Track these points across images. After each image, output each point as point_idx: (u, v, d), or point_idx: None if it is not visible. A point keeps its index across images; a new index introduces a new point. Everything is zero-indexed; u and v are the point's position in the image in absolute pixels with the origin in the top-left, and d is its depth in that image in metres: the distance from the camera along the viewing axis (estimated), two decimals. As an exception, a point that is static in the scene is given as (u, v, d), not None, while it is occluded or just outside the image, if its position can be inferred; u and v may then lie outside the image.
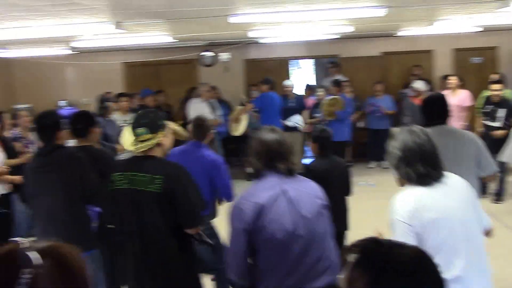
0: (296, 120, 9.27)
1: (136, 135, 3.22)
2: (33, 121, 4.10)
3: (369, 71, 11.03)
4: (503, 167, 7.00)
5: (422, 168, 2.54)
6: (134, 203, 3.17)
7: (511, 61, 10.93)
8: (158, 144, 3.24)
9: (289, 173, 2.72)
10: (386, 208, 2.58)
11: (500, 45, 11.05)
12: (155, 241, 3.19)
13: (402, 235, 2.41)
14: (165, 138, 3.28)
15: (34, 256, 1.18)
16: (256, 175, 2.76)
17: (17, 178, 5.93)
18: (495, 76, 8.53)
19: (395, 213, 2.49)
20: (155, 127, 3.22)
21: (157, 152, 3.26)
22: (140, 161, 3.23)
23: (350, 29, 7.69)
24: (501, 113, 7.31)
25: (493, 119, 7.37)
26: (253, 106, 8.96)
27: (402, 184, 2.62)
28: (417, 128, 2.68)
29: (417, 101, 8.78)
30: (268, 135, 2.77)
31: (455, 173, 2.73)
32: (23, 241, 1.25)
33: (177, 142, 4.87)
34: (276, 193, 2.64)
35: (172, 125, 6.32)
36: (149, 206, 3.14)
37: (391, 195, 2.60)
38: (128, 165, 3.28)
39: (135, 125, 3.25)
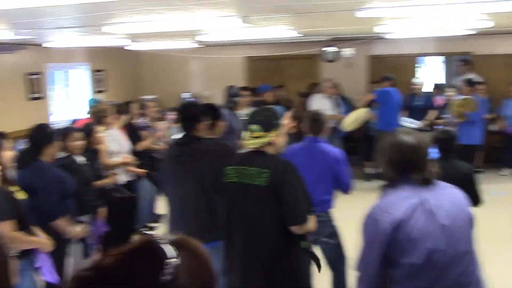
0: (411, 122, 8.85)
1: (250, 131, 3.27)
2: (178, 110, 4.18)
3: (507, 70, 10.16)
4: None
5: None
6: (242, 196, 3.24)
7: None
8: (270, 143, 3.27)
9: (426, 182, 2.49)
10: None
11: None
12: (259, 235, 3.22)
13: None
14: (278, 138, 3.31)
15: (169, 248, 1.17)
16: (389, 184, 2.56)
17: (141, 170, 6.20)
18: None
19: None
20: (268, 126, 3.26)
21: (269, 150, 3.29)
22: (251, 156, 3.30)
23: (489, 24, 7.13)
24: None
25: None
26: (374, 96, 8.68)
27: None
28: None
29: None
30: (404, 140, 2.52)
31: None
32: (152, 233, 1.24)
33: (294, 137, 4.81)
34: (413, 205, 2.43)
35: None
36: (256, 200, 3.19)
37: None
38: (239, 159, 3.37)
39: (250, 121, 3.31)
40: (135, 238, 1.23)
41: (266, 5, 4.88)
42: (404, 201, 2.44)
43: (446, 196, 2.52)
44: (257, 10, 5.21)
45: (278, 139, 3.32)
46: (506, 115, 9.38)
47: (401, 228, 2.38)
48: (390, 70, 9.81)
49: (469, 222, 2.55)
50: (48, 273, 3.63)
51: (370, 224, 2.49)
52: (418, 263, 2.39)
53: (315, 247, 4.44)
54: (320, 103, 8.73)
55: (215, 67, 11.60)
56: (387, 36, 9.25)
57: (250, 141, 3.29)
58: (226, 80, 10.11)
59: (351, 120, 8.49)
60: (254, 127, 3.26)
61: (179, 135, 4.89)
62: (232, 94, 7.86)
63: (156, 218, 7.34)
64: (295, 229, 3.23)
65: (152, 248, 1.18)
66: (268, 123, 3.27)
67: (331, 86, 9.03)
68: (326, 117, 7.86)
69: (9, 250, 1.75)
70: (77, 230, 4.29)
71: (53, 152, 4.34)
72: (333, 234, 4.44)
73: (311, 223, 3.32)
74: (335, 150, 4.45)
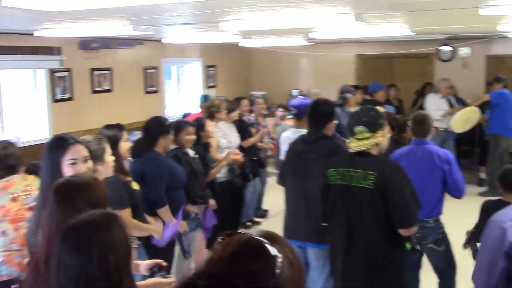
0: None
1: (355, 133, 3.18)
2: (310, 106, 4.06)
3: None
4: None
5: None
6: (345, 198, 3.17)
7: None
8: (376, 144, 3.19)
9: None
10: None
11: None
12: (363, 238, 3.15)
13: None
14: (383, 138, 3.23)
15: (272, 247, 1.17)
16: None
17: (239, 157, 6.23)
18: None
19: None
20: (374, 126, 3.17)
21: (374, 151, 3.20)
22: (355, 158, 3.21)
23: None
24: None
25: None
26: (489, 97, 8.22)
27: None
28: None
29: None
30: None
31: None
32: (249, 231, 1.25)
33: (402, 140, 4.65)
34: None
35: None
36: (360, 202, 3.11)
37: None
38: (343, 161, 3.28)
39: (354, 123, 3.21)
40: (234, 238, 1.22)
41: (382, 2, 4.75)
42: None
43: None
44: (372, 7, 5.08)
45: (383, 140, 3.25)
46: None
47: None
48: (510, 71, 9.26)
49: None
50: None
51: (496, 234, 2.30)
52: None
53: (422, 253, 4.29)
54: (435, 103, 8.43)
55: (325, 65, 11.51)
56: (509, 35, 8.70)
57: (355, 143, 3.19)
58: (335, 78, 10.04)
59: (462, 121, 8.07)
60: (359, 128, 3.17)
61: (291, 132, 4.89)
62: (342, 91, 7.79)
63: (263, 213, 7.42)
64: (403, 231, 3.15)
65: (260, 249, 1.17)
66: (374, 123, 3.19)
67: (448, 86, 8.66)
68: (442, 115, 7.53)
69: (132, 239, 1.83)
70: (176, 221, 4.28)
71: (166, 144, 4.46)
72: (441, 240, 4.22)
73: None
74: (443, 151, 4.23)
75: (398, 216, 3.10)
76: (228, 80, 11.54)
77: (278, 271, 1.14)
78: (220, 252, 1.18)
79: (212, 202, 5.06)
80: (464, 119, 8.08)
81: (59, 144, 2.57)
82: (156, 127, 4.41)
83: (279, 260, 1.15)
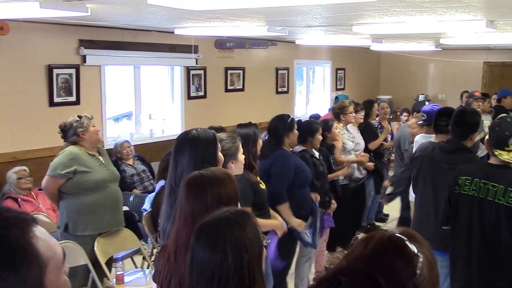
0: None
1: (509, 144, 2.95)
2: (456, 113, 3.78)
3: None
4: None
5: None
6: (479, 212, 2.98)
7: None
8: None
9: None
10: None
11: None
12: (497, 256, 2.95)
13: None
14: None
15: (413, 246, 1.14)
16: None
17: (371, 164, 6.21)
18: None
19: None
20: None
21: None
22: (496, 171, 2.98)
23: None
24: None
25: None
26: None
27: None
28: None
29: None
30: None
31: None
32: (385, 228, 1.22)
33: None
34: None
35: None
36: (495, 218, 2.92)
37: None
38: (480, 172, 3.06)
39: (510, 134, 2.96)
40: (375, 235, 1.19)
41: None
42: None
43: None
44: (505, 14, 4.93)
45: None
46: None
47: None
48: None
49: None
50: (271, 254, 3.63)
51: None
52: None
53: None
54: None
55: (453, 71, 11.16)
56: None
57: (506, 155, 2.96)
58: (463, 85, 9.71)
59: None
60: None
61: (421, 137, 4.80)
62: (468, 96, 7.52)
63: (383, 217, 7.37)
64: None
65: (403, 247, 1.14)
66: None
67: None
68: None
69: (263, 237, 1.83)
70: (297, 221, 4.25)
71: (292, 141, 4.41)
72: None
73: None
74: None
75: None
76: (356, 83, 11.49)
77: (418, 271, 1.11)
78: (361, 248, 1.15)
79: (333, 205, 4.95)
80: None
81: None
82: (280, 126, 4.37)
83: (420, 259, 1.12)
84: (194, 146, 2.59)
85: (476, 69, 11.03)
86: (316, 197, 4.56)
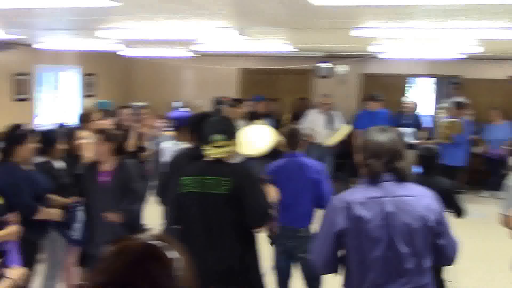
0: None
1: (212, 140, 3.30)
2: (193, 121, 4.13)
3: (492, 95, 10.40)
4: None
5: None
6: (203, 205, 3.27)
7: None
8: (232, 152, 3.37)
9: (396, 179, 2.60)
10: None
11: None
12: (222, 242, 3.29)
13: None
14: (237, 146, 3.41)
15: (168, 251, 1.21)
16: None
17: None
18: None
19: None
20: (231, 134, 3.36)
21: (227, 158, 3.35)
22: (210, 165, 3.32)
23: (479, 49, 7.24)
24: None
25: None
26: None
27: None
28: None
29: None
30: (374, 138, 2.66)
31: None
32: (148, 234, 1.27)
33: (278, 153, 4.75)
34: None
35: (275, 135, 6.18)
36: (216, 207, 3.25)
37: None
38: (198, 169, 3.36)
39: (211, 131, 3.33)
40: (122, 245, 1.22)
41: (264, 18, 4.92)
42: (364, 194, 2.54)
43: (410, 197, 2.53)
44: (255, 23, 5.24)
45: (237, 148, 3.43)
46: (488, 139, 9.57)
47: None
48: (381, 89, 9.93)
49: (425, 228, 2.51)
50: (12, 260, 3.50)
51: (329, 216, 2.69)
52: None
53: (294, 263, 4.44)
54: (313, 118, 8.75)
55: (209, 77, 11.61)
56: (380, 56, 9.34)
57: (213, 150, 3.31)
58: (219, 91, 10.15)
59: (335, 138, 8.56)
60: (218, 136, 3.30)
61: (172, 144, 4.85)
62: (217, 103, 7.86)
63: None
64: (258, 230, 3.41)
65: (156, 253, 1.19)
66: (231, 131, 3.37)
67: (326, 102, 9.05)
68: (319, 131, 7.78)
69: None
70: (54, 211, 4.25)
71: (24, 154, 4.20)
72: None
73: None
74: (314, 163, 4.42)
75: (254, 216, 3.27)
76: (109, 89, 11.30)
77: (175, 273, 1.17)
78: (116, 260, 1.18)
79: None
80: (337, 135, 8.55)
81: None
82: (11, 136, 4.18)
83: (175, 262, 1.18)
84: None
85: (232, 75, 11.62)
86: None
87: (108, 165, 4.41)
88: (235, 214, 3.25)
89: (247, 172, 3.38)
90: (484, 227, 7.31)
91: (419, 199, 2.54)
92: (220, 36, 6.10)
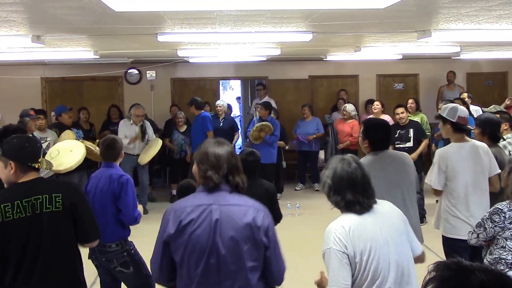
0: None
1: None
2: None
3: (297, 93, 11.30)
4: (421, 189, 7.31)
5: (351, 195, 2.59)
6: (35, 228, 3.02)
7: (429, 87, 11.49)
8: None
9: (213, 190, 2.71)
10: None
11: (420, 73, 11.65)
12: (59, 257, 3.12)
13: (339, 265, 2.48)
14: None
15: None
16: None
17: None
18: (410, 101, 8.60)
19: (329, 243, 2.53)
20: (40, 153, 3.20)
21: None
22: (33, 184, 3.09)
23: (277, 52, 7.78)
24: (411, 133, 7.58)
25: (405, 140, 7.58)
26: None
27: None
28: (348, 156, 2.75)
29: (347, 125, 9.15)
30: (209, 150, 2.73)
31: (396, 195, 3.23)
32: None
33: (95, 163, 4.66)
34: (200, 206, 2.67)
35: (89, 145, 6.07)
36: (52, 226, 3.06)
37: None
38: (13, 194, 3.04)
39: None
40: None
41: (63, 26, 4.76)
42: (193, 201, 2.64)
43: (241, 206, 2.64)
44: (50, 30, 5.04)
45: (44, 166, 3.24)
46: (300, 133, 10.12)
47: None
48: (193, 93, 10.15)
49: (251, 238, 2.60)
50: None
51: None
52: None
53: (113, 277, 4.37)
54: (126, 129, 8.49)
55: (9, 88, 10.74)
56: (191, 60, 9.53)
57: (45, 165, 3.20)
58: (21, 103, 9.46)
59: (149, 155, 8.51)
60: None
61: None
62: (21, 115, 7.36)
63: None
64: (88, 245, 3.39)
65: None
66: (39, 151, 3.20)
67: (139, 114, 8.62)
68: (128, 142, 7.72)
69: None
70: None
71: None
72: (128, 263, 4.25)
73: None
74: (119, 175, 4.26)
75: (88, 231, 3.23)
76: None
77: None
78: None
79: None
80: (150, 152, 8.46)
81: None
82: None
83: None
84: None
85: (34, 85, 10.95)
86: None
87: None
88: (69, 230, 3.15)
89: (74, 186, 3.33)
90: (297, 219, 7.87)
91: (247, 209, 2.62)
92: (12, 44, 5.76)
